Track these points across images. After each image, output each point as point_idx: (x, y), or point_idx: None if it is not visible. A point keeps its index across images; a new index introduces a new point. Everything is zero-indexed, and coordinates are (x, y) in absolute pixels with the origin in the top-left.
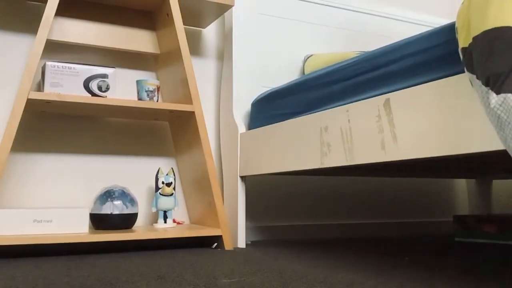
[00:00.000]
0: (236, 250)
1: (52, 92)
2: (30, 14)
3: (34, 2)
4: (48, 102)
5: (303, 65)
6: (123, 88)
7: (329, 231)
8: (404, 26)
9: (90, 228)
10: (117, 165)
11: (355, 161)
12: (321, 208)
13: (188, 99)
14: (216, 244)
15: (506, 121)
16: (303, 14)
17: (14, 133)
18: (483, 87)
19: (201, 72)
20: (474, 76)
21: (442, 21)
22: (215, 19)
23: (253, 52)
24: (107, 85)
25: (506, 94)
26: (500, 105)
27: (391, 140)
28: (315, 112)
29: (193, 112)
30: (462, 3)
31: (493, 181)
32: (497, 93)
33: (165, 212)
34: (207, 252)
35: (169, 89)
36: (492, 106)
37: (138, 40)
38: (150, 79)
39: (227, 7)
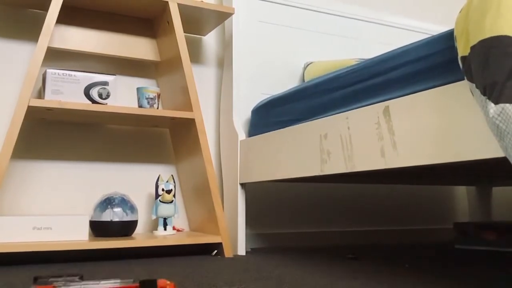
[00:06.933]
0: (236, 257)
1: (52, 99)
2: (31, 22)
3: (35, 10)
4: (48, 109)
5: (303, 73)
6: (124, 95)
7: (329, 238)
8: (403, 33)
9: (90, 235)
10: (117, 172)
11: (355, 168)
12: (321, 215)
13: (188, 106)
14: (216, 251)
15: (505, 131)
16: (303, 21)
17: (15, 140)
18: (482, 96)
19: (201, 79)
20: (474, 85)
21: (440, 28)
22: (216, 27)
23: (253, 59)
24: (108, 93)
25: (504, 104)
26: (499, 115)
27: (391, 147)
28: (315, 119)
29: (193, 119)
30: (460, 11)
31: (493, 188)
32: (495, 103)
33: (165, 219)
34: (207, 259)
35: (170, 96)
36: (490, 115)
37: (138, 47)
38: (150, 86)
39: (227, 15)
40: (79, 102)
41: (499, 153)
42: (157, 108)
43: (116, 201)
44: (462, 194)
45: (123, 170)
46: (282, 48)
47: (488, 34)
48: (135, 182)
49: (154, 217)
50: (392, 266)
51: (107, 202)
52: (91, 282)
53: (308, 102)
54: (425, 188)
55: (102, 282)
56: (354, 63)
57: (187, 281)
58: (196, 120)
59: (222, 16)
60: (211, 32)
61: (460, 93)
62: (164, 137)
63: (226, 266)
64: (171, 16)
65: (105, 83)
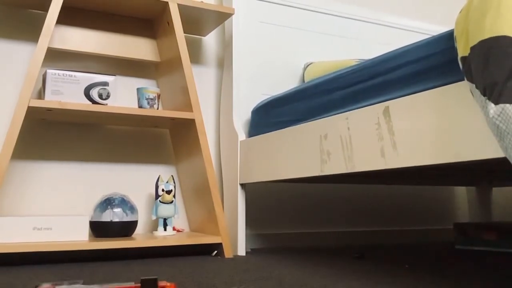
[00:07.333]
0: (236, 258)
1: (53, 100)
2: (31, 22)
3: (35, 10)
4: (49, 110)
5: (303, 73)
6: (124, 95)
7: (329, 239)
8: (403, 33)
9: (90, 235)
10: (117, 173)
11: (355, 168)
12: (321, 216)
13: (188, 106)
14: (216, 252)
15: (505, 131)
16: (303, 22)
17: (15, 141)
18: (482, 96)
19: (201, 80)
20: (474, 86)
21: (440, 28)
22: (216, 27)
23: (253, 60)
24: (108, 93)
25: (504, 104)
26: (499, 116)
27: (391, 147)
28: (315, 119)
29: (193, 120)
30: (460, 11)
31: (493, 188)
32: (495, 103)
33: (165, 219)
34: (207, 260)
35: (170, 97)
36: (490, 116)
37: (138, 48)
38: (150, 87)
39: (227, 16)
40: (79, 102)
41: (499, 153)
42: (157, 108)
43: (116, 201)
44: (462, 194)
45: (123, 171)
46: (282, 49)
47: (488, 35)
48: (135, 182)
49: (154, 217)
50: (392, 266)
51: (107, 203)
52: (94, 287)
53: (308, 103)
54: (425, 188)
55: (105, 286)
56: (354, 63)
57: (187, 281)
58: (196, 121)
59: (222, 17)
60: (211, 33)
61: (460, 93)
62: (164, 138)
63: (226, 266)
64: (171, 17)
65: (105, 84)
